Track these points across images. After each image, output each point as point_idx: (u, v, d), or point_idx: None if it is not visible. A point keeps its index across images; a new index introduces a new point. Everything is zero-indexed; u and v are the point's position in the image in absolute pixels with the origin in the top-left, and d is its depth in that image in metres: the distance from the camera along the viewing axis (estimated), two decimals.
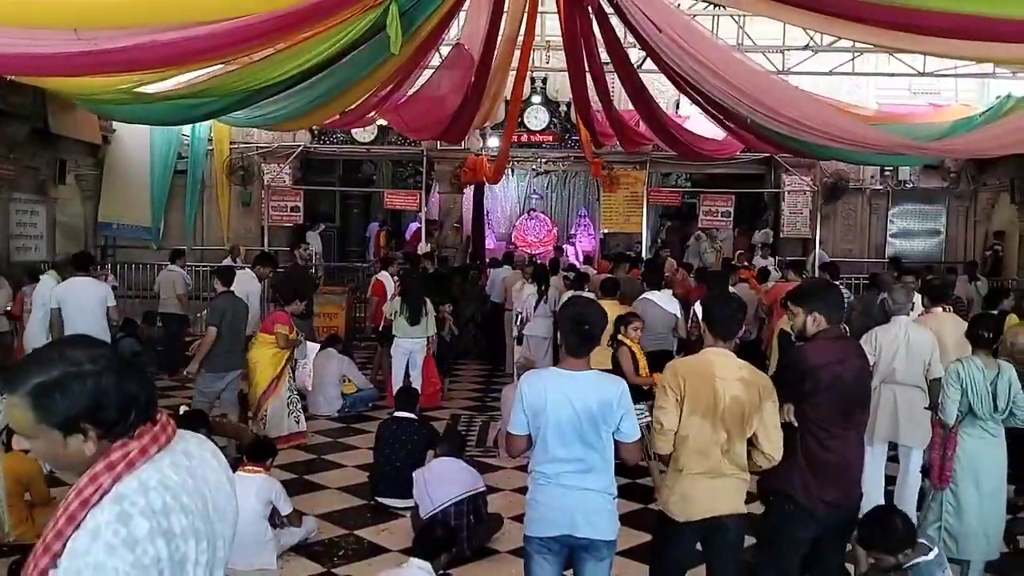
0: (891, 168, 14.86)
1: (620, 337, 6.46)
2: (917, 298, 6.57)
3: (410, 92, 9.35)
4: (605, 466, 3.31)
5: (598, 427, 3.24)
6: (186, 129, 13.92)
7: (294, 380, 7.56)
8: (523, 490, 3.41)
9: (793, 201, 15.04)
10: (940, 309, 6.18)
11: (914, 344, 5.43)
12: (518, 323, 9.69)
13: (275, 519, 5.04)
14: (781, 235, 15.20)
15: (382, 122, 12.56)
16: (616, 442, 3.33)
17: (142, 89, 6.58)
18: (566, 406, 3.24)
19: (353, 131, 14.45)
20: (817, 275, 11.82)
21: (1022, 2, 6.37)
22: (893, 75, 12.58)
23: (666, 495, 3.55)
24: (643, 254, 14.04)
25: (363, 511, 5.93)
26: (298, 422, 7.45)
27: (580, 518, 3.26)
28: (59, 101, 10.94)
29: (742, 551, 3.69)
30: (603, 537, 3.30)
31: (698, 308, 7.37)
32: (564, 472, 3.27)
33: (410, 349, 8.49)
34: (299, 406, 7.54)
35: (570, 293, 8.49)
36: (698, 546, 3.64)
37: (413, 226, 16.32)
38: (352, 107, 9.48)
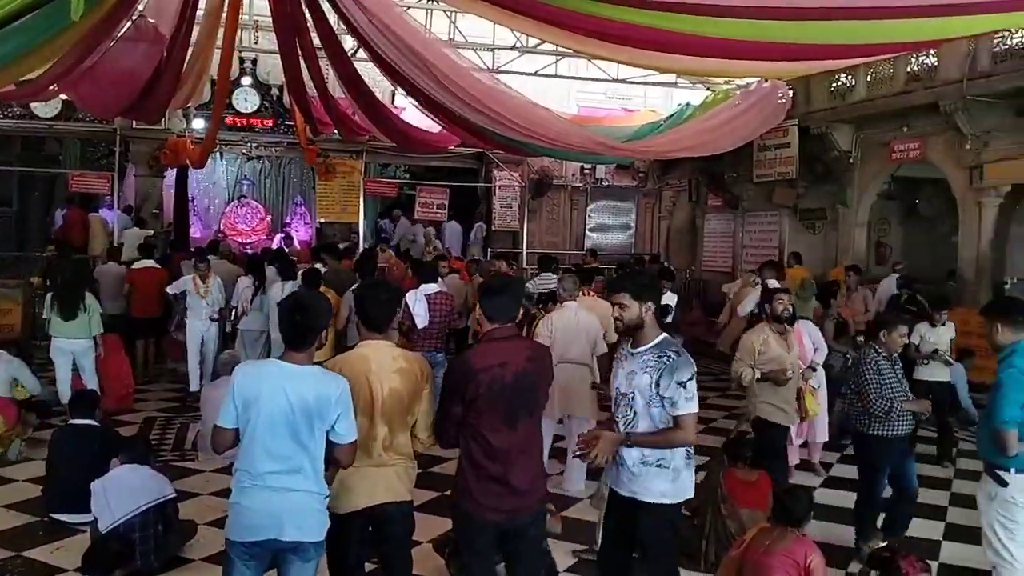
0: (590, 167, 16.13)
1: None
2: None
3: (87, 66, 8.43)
4: (314, 467, 3.16)
5: (312, 423, 3.10)
6: None
7: None
8: (221, 493, 3.17)
9: (504, 195, 15.81)
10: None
11: (583, 326, 6.07)
12: (232, 318, 9.13)
13: None
14: (493, 228, 15.89)
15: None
16: (330, 442, 3.19)
17: None
18: (280, 398, 3.06)
19: (32, 105, 12.89)
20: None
21: (694, 20, 7.18)
22: (591, 79, 13.64)
23: (328, 490, 3.36)
24: (361, 244, 13.94)
25: (35, 529, 5.29)
26: None
27: (287, 521, 3.10)
28: None
29: (409, 542, 3.68)
30: (310, 539, 3.18)
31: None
32: (271, 472, 3.08)
33: (70, 350, 7.60)
34: None
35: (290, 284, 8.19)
36: None
37: (111, 214, 14.80)
38: (28, 78, 8.40)
